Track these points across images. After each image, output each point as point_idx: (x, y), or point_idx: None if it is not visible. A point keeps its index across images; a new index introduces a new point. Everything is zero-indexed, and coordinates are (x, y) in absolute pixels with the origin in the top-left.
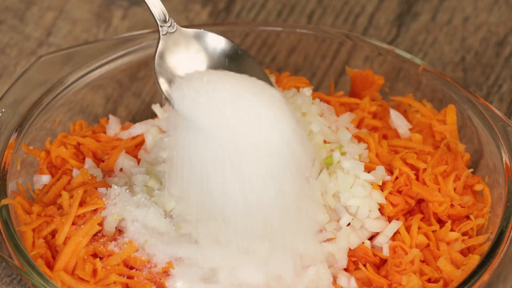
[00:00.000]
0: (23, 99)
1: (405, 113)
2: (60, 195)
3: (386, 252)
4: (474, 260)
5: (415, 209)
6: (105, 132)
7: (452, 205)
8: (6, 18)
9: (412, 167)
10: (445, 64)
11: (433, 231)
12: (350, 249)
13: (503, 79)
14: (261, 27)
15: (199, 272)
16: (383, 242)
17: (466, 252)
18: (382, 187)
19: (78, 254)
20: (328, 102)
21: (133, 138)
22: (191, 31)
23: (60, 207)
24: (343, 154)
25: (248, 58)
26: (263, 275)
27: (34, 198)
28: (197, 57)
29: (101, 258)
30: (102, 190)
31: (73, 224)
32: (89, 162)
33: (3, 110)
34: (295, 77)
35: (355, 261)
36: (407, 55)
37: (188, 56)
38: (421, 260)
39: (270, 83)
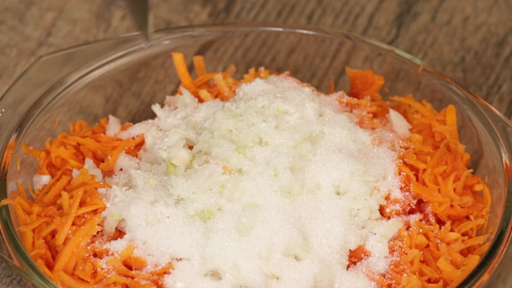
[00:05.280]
0: (23, 99)
1: (405, 114)
2: (60, 195)
3: (386, 252)
4: (474, 260)
5: (415, 209)
6: (105, 133)
7: (452, 206)
8: (6, 18)
9: (412, 167)
10: (445, 64)
11: (433, 232)
12: (350, 249)
13: (503, 79)
14: (261, 27)
15: (200, 271)
16: (383, 242)
17: (466, 252)
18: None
19: (78, 255)
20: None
21: (133, 138)
22: None
23: (60, 207)
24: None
25: None
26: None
27: (34, 198)
28: None
29: (101, 258)
30: (102, 190)
31: (73, 224)
32: (89, 162)
33: (3, 110)
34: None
35: (355, 261)
36: (407, 56)
37: None
38: (420, 261)
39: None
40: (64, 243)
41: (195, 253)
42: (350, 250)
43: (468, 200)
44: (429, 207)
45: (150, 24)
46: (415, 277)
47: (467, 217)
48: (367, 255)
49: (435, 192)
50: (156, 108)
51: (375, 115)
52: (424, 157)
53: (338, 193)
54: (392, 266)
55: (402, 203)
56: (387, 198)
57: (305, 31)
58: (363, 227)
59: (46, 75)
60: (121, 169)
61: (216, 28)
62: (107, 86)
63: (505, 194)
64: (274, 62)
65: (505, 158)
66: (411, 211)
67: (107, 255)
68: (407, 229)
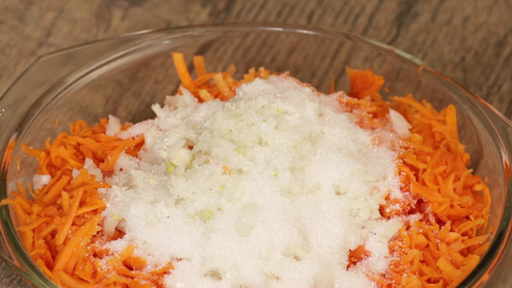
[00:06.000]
0: (23, 99)
1: (405, 113)
2: (60, 195)
3: (386, 252)
4: (474, 260)
5: (415, 209)
6: (105, 132)
7: (451, 206)
8: (6, 18)
9: (412, 167)
10: (445, 64)
11: (433, 231)
12: (350, 249)
13: (503, 79)
14: (261, 27)
15: (200, 271)
16: (383, 242)
17: (466, 252)
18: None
19: (78, 255)
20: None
21: (133, 138)
22: None
23: (60, 207)
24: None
25: None
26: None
27: (34, 198)
28: None
29: (101, 258)
30: (102, 190)
31: (73, 224)
32: (89, 162)
33: (3, 110)
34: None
35: (355, 261)
36: (407, 55)
37: None
38: (420, 261)
39: None
40: (64, 243)
41: (195, 253)
42: (350, 250)
43: (468, 200)
44: (429, 207)
45: None
46: (415, 277)
47: (467, 217)
48: (367, 255)
49: (435, 192)
50: (156, 108)
51: (375, 115)
52: (424, 157)
53: (338, 193)
54: (392, 266)
55: (402, 203)
56: (387, 198)
57: (305, 31)
58: (363, 227)
59: (46, 75)
60: (121, 169)
61: (216, 28)
62: (107, 86)
63: (505, 194)
64: (274, 62)
65: (505, 158)
66: (411, 211)
67: (107, 255)
68: (407, 229)
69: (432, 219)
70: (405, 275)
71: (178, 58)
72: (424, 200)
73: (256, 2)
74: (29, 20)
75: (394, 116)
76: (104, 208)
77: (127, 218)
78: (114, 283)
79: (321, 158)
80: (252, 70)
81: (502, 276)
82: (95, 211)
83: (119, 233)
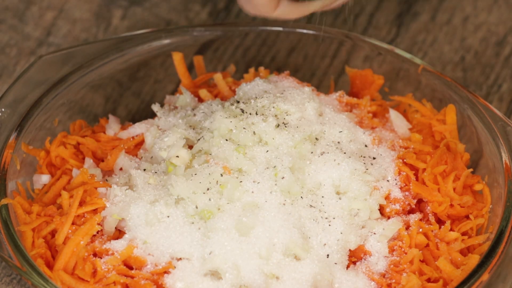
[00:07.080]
0: (23, 98)
1: (404, 113)
2: (59, 195)
3: (385, 252)
4: (474, 259)
5: (415, 209)
6: (105, 132)
7: (451, 205)
8: (5, 17)
9: (412, 167)
10: (445, 64)
11: (432, 231)
12: (350, 249)
13: (502, 79)
14: (261, 27)
15: (200, 271)
16: (383, 242)
17: (465, 252)
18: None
19: (78, 254)
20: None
21: (133, 137)
22: None
23: (60, 207)
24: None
25: None
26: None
27: (33, 198)
28: None
29: (101, 258)
30: (102, 190)
31: (73, 224)
32: (88, 162)
33: (3, 109)
34: None
35: (355, 261)
36: (407, 55)
37: None
38: (420, 260)
39: None
40: (64, 243)
41: (195, 253)
42: (350, 250)
43: (468, 200)
44: (429, 207)
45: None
46: (415, 276)
47: (467, 217)
48: (367, 255)
49: (435, 192)
50: (156, 107)
51: (375, 115)
52: (424, 157)
53: (338, 193)
54: (392, 266)
55: (402, 203)
56: (387, 197)
57: (305, 31)
58: (363, 227)
59: (46, 74)
60: (121, 169)
61: (216, 27)
62: (107, 86)
63: (505, 193)
64: (274, 61)
65: (505, 157)
66: (411, 211)
67: (107, 254)
68: (407, 228)
69: (432, 219)
70: (405, 274)
71: (178, 58)
72: (424, 200)
73: None
74: (29, 19)
75: (394, 115)
76: (104, 207)
77: (127, 217)
78: (114, 282)
79: (321, 158)
80: (252, 70)
81: (502, 275)
82: (95, 211)
83: (119, 232)
